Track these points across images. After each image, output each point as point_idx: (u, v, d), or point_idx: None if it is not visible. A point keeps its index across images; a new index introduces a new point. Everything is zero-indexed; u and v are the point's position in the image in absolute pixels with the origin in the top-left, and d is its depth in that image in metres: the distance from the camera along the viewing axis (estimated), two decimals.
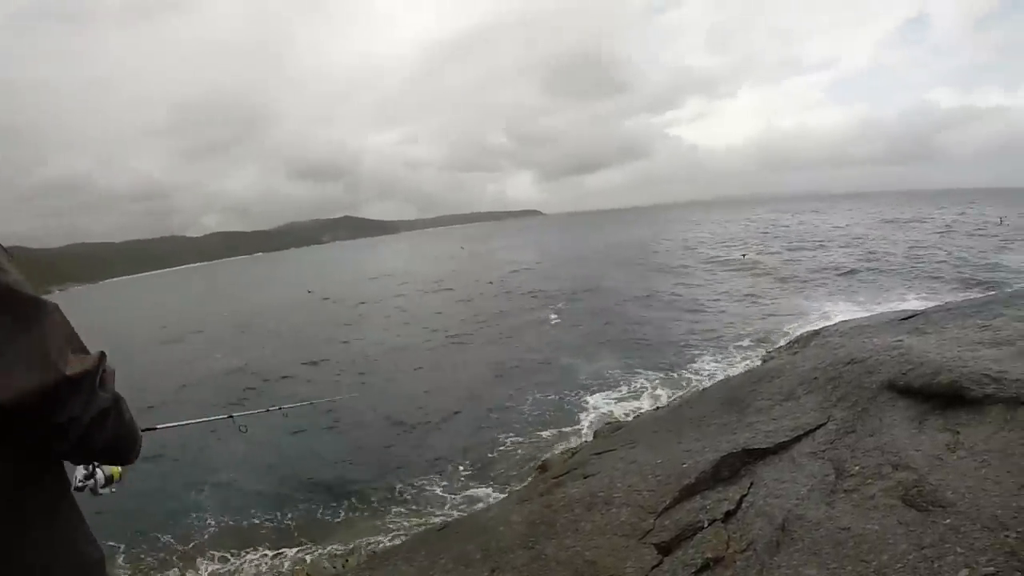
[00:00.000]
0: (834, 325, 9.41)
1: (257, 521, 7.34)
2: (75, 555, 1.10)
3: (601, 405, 9.60)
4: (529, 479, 6.78)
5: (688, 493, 3.57)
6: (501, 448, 8.53)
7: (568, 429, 8.81)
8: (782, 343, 11.26)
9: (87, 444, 1.08)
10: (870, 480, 3.20)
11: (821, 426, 4.05)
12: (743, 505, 3.31)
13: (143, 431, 1.32)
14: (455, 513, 6.69)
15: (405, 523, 6.78)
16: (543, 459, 7.43)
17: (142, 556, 6.80)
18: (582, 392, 10.43)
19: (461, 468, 8.04)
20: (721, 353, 11.90)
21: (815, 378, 4.91)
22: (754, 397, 5.03)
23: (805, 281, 19.98)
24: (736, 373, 8.50)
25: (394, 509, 7.21)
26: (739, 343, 12.47)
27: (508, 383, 11.86)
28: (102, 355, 1.08)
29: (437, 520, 6.52)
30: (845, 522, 2.87)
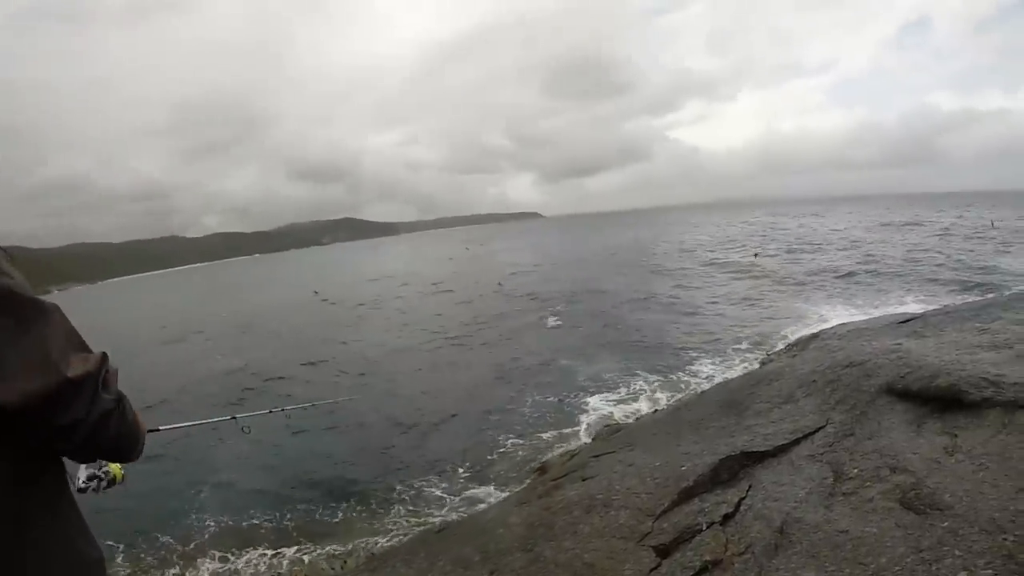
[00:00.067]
0: (833, 328, 9.43)
1: (257, 521, 7.33)
2: (74, 554, 1.11)
3: (600, 407, 9.60)
4: (528, 481, 6.78)
5: (686, 496, 3.58)
6: (500, 450, 8.53)
7: (567, 431, 8.81)
8: (781, 346, 11.26)
9: (91, 444, 1.09)
10: (868, 483, 3.21)
11: (820, 429, 4.06)
12: (741, 508, 3.31)
13: (147, 432, 1.33)
14: (454, 515, 6.69)
15: (404, 524, 6.78)
16: (542, 461, 7.43)
17: (142, 556, 6.79)
18: (581, 394, 10.44)
19: (460, 469, 8.04)
20: (719, 356, 11.90)
21: (813, 381, 4.92)
22: (753, 400, 5.04)
23: (804, 284, 19.99)
24: (735, 376, 8.51)
25: (393, 510, 7.21)
26: (737, 346, 12.47)
27: (507, 385, 11.86)
28: (104, 356, 1.09)
29: (436, 521, 6.52)
30: (843, 525, 2.88)
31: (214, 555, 6.65)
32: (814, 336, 9.26)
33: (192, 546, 6.89)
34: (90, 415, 1.03)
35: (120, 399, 1.13)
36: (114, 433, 1.12)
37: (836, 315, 13.66)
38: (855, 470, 3.38)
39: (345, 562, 6.11)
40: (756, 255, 30.05)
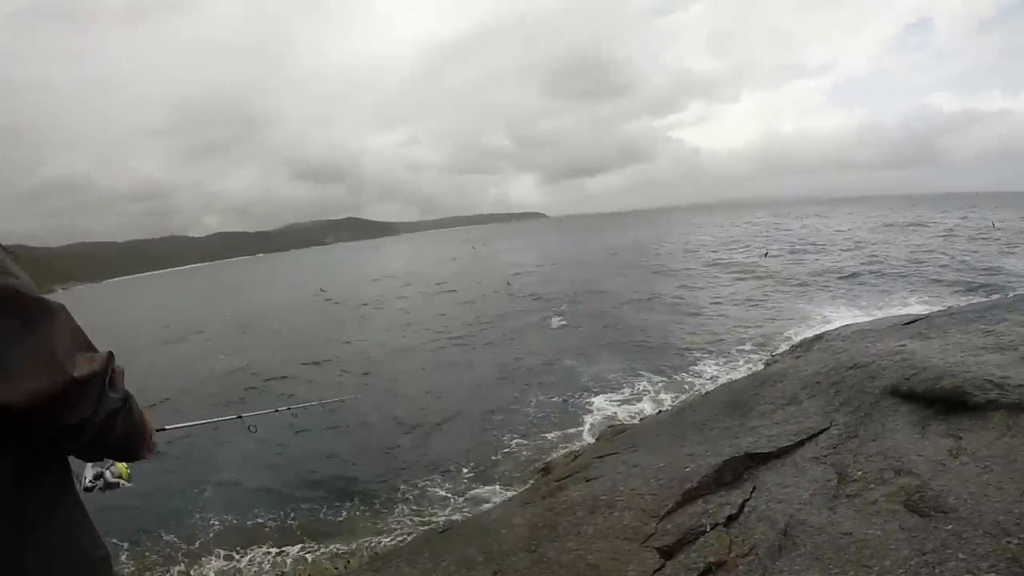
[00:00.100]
0: (837, 329, 9.43)
1: (261, 520, 7.34)
2: (79, 552, 1.12)
3: (604, 408, 9.60)
4: (532, 481, 6.79)
5: (690, 497, 3.58)
6: (504, 450, 8.54)
7: (571, 431, 8.81)
8: (785, 347, 11.26)
9: (99, 444, 1.10)
10: (872, 485, 3.21)
11: (824, 431, 4.05)
12: (745, 509, 3.32)
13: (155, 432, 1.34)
14: (458, 515, 6.69)
15: (407, 524, 6.78)
16: (546, 462, 7.44)
17: (147, 554, 6.82)
18: (585, 394, 10.43)
19: (464, 469, 8.04)
20: (724, 356, 11.89)
21: (818, 382, 4.92)
22: (757, 401, 5.04)
23: (807, 285, 19.95)
24: (739, 377, 8.50)
25: (396, 509, 7.21)
26: (742, 347, 12.46)
27: (511, 385, 11.87)
28: (110, 355, 1.10)
29: (440, 521, 6.52)
30: (847, 527, 2.88)
31: (219, 553, 6.66)
32: (818, 337, 9.26)
33: (197, 544, 6.91)
34: (97, 414, 1.04)
35: (127, 398, 1.14)
36: (121, 432, 1.13)
37: (840, 316, 13.65)
38: (859, 472, 3.38)
39: (348, 562, 6.11)
40: (766, 254, 30.16)
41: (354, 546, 6.45)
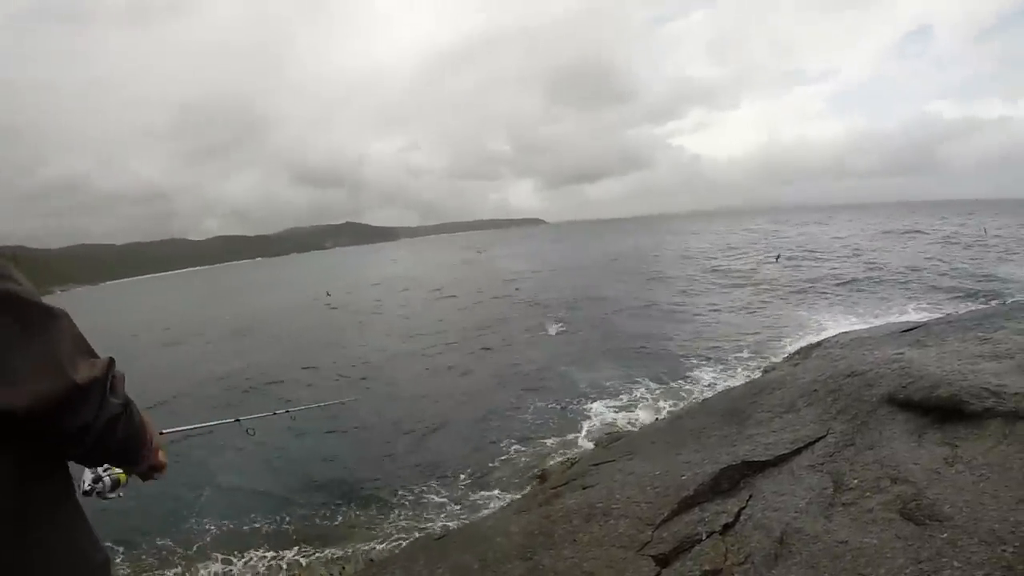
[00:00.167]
0: (835, 337, 9.41)
1: (257, 524, 7.31)
2: (78, 557, 1.12)
3: (601, 414, 9.57)
4: (528, 488, 6.78)
5: (687, 505, 3.58)
6: (501, 456, 8.52)
7: (568, 438, 8.79)
8: (783, 355, 11.25)
9: (100, 449, 1.11)
10: (868, 493, 3.21)
11: (820, 439, 4.06)
12: (741, 518, 3.31)
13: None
14: (454, 521, 6.67)
15: (403, 530, 6.75)
16: (542, 469, 7.43)
17: (143, 557, 6.79)
18: (582, 401, 10.41)
19: (461, 475, 8.02)
20: (721, 364, 11.87)
21: (815, 390, 4.92)
22: (754, 409, 5.04)
23: (806, 292, 19.96)
24: (736, 384, 8.50)
25: (392, 515, 7.18)
26: (739, 354, 12.45)
27: (508, 390, 11.85)
28: (111, 361, 1.11)
29: (436, 528, 6.51)
30: (843, 535, 2.88)
31: (216, 557, 6.63)
32: (816, 345, 9.26)
33: (194, 548, 6.88)
34: (98, 420, 1.05)
35: (127, 404, 1.14)
36: (122, 437, 1.13)
37: (838, 324, 13.64)
38: (855, 480, 3.38)
39: (344, 567, 6.09)
40: (778, 257, 30.37)
41: (350, 551, 6.43)
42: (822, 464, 3.71)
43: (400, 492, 7.74)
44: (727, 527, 3.26)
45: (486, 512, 6.52)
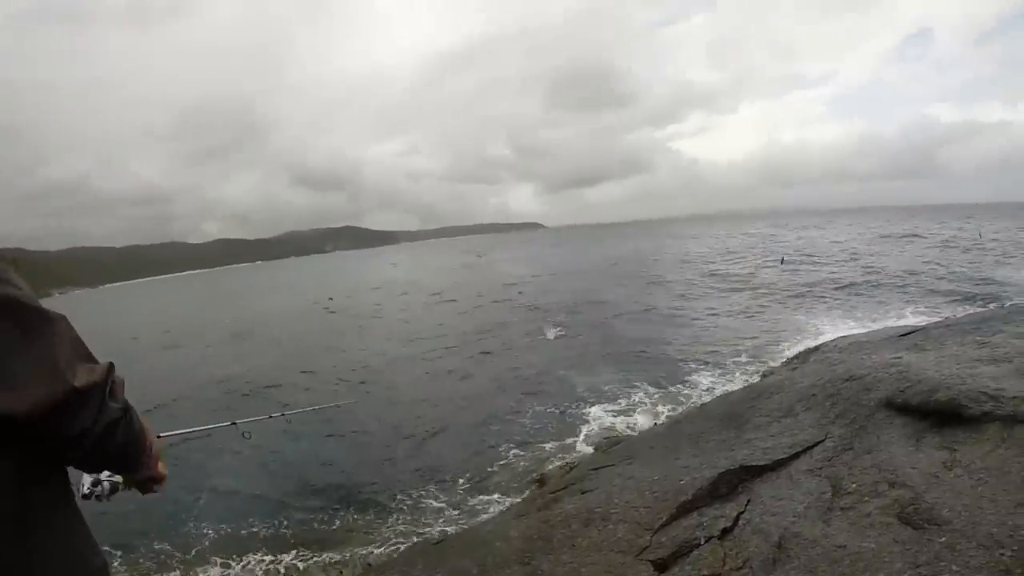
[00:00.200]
0: (833, 341, 9.42)
1: (256, 528, 7.30)
2: (77, 561, 1.12)
3: (599, 419, 9.57)
4: (527, 492, 6.77)
5: (685, 510, 3.58)
6: (500, 461, 8.51)
7: (567, 442, 8.79)
8: (781, 359, 11.25)
9: (99, 453, 1.11)
10: (867, 498, 3.21)
11: (819, 443, 4.05)
12: (740, 522, 3.31)
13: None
14: (452, 526, 6.66)
15: (401, 534, 6.74)
16: (541, 473, 7.42)
17: (141, 561, 6.78)
18: (581, 405, 10.41)
19: (460, 480, 8.01)
20: (720, 368, 11.88)
21: (813, 395, 4.92)
22: (753, 413, 5.04)
23: (804, 296, 19.98)
24: (735, 389, 8.50)
25: (390, 519, 7.17)
26: (738, 358, 12.45)
27: (507, 394, 11.85)
28: (111, 365, 1.11)
29: (434, 533, 6.50)
30: (841, 540, 2.87)
31: (215, 561, 6.64)
32: (815, 349, 9.26)
33: (192, 552, 6.88)
34: (97, 424, 1.05)
35: (127, 408, 1.14)
36: (121, 442, 1.14)
37: (837, 328, 13.65)
38: (853, 485, 3.38)
39: (341, 572, 6.10)
40: (783, 260, 30.58)
41: (347, 555, 6.43)
42: (820, 468, 3.70)
43: (398, 496, 7.73)
44: (725, 532, 3.26)
45: (485, 517, 6.52)
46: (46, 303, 1.04)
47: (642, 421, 9.13)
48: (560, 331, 17.82)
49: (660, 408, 9.72)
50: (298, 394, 13.47)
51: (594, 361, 13.59)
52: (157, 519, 7.60)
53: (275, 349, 20.74)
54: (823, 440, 4.08)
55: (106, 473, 1.46)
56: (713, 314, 18.48)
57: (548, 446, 8.76)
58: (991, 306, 14.34)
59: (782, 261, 30.22)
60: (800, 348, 11.20)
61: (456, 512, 7.14)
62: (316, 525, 7.29)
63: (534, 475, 7.55)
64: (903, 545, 2.71)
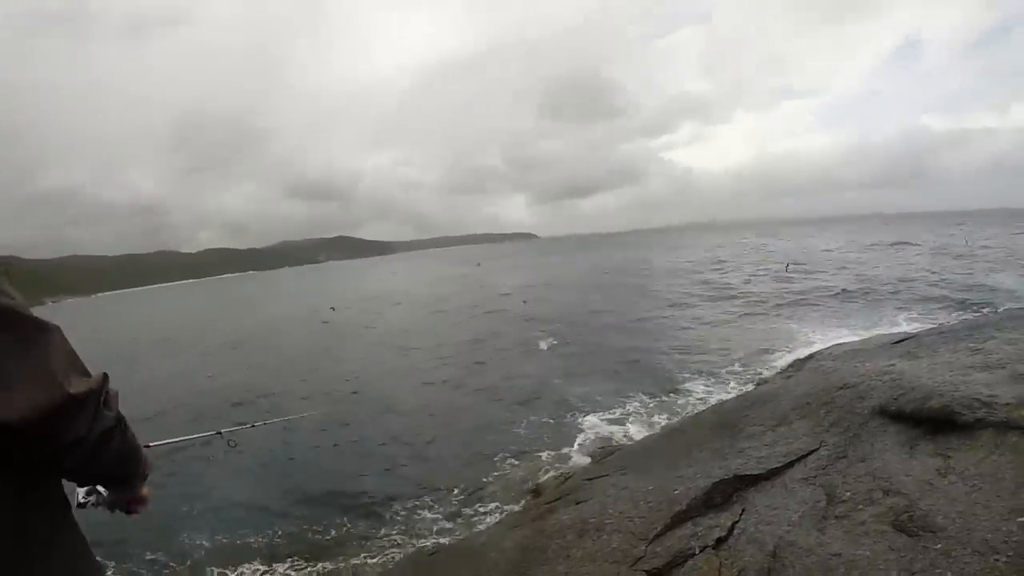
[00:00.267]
0: (827, 349, 9.44)
1: (250, 538, 7.24)
2: (75, 572, 1.12)
3: (594, 429, 9.55)
4: (522, 503, 6.74)
5: (680, 520, 3.56)
6: (495, 471, 8.47)
7: (561, 452, 8.75)
8: (774, 367, 11.27)
9: (93, 463, 1.11)
10: (861, 506, 3.21)
11: (813, 452, 4.05)
12: (734, 532, 3.30)
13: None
14: (447, 537, 6.62)
15: (396, 545, 6.70)
16: (536, 483, 7.39)
17: (134, 571, 6.73)
18: (575, 415, 10.38)
19: (455, 490, 7.97)
20: (713, 377, 11.88)
21: (808, 403, 4.92)
22: (747, 422, 5.04)
23: (798, 305, 20.03)
24: (728, 398, 8.50)
25: (384, 530, 7.12)
26: (731, 367, 12.46)
27: (502, 405, 11.82)
28: (105, 376, 1.11)
29: (428, 543, 6.46)
30: (836, 548, 2.87)
31: (211, 571, 6.60)
32: (809, 357, 9.27)
33: (187, 563, 6.83)
34: (92, 433, 1.05)
35: (120, 419, 1.14)
36: (115, 452, 1.13)
37: (830, 336, 13.67)
38: (848, 493, 3.38)
39: None
40: (787, 266, 30.95)
41: (342, 565, 6.39)
42: (815, 477, 3.70)
43: (392, 506, 7.69)
44: (720, 541, 3.25)
45: (480, 527, 6.49)
46: (39, 312, 1.04)
47: (636, 430, 9.11)
48: (554, 341, 17.81)
49: (654, 417, 9.70)
50: (291, 403, 13.39)
51: (588, 370, 13.58)
52: (150, 529, 7.53)
53: (267, 358, 20.66)
54: (817, 448, 4.08)
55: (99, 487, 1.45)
56: (706, 323, 18.51)
57: (543, 456, 8.72)
58: (984, 310, 14.44)
59: (787, 267, 30.48)
60: (793, 356, 11.22)
61: (450, 523, 7.09)
62: (310, 535, 7.23)
63: (529, 485, 7.52)
64: (898, 552, 2.71)
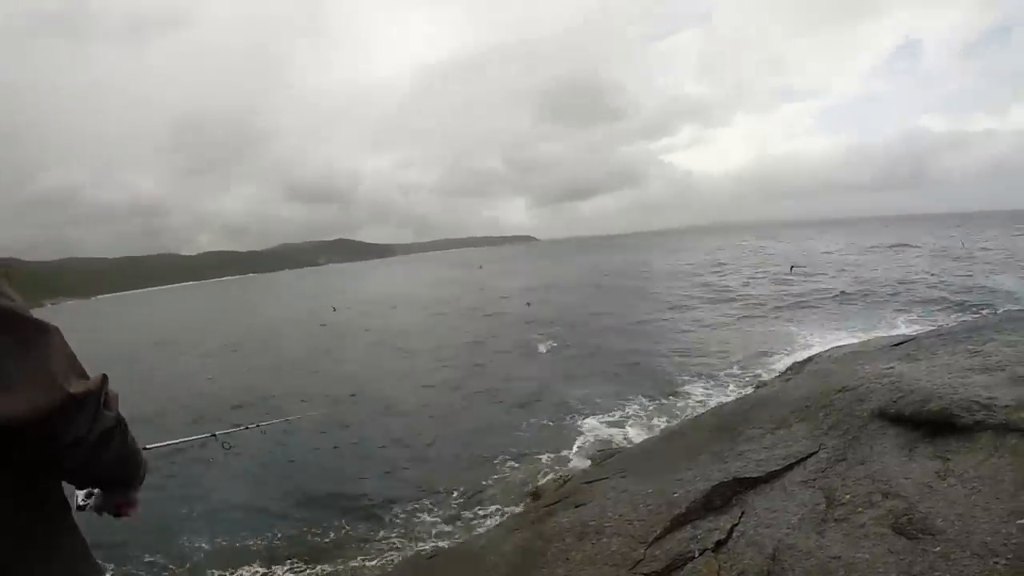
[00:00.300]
0: (826, 352, 9.44)
1: (250, 540, 7.27)
2: (76, 574, 1.12)
3: (593, 432, 9.56)
4: (522, 505, 6.74)
5: (679, 523, 3.55)
6: (495, 474, 8.47)
7: (561, 455, 8.76)
8: (774, 370, 11.27)
9: (93, 464, 1.10)
10: (860, 509, 3.20)
11: (812, 454, 4.04)
12: (734, 535, 3.29)
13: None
14: (446, 540, 6.62)
15: (395, 548, 6.70)
16: (536, 486, 7.39)
17: (134, 573, 6.75)
18: (575, 418, 10.40)
19: (454, 493, 7.97)
20: (713, 380, 11.89)
21: (807, 406, 4.91)
22: (746, 425, 5.02)
23: (797, 307, 20.06)
24: (728, 400, 8.50)
25: (384, 532, 7.13)
26: (731, 370, 12.47)
27: (502, 407, 11.82)
28: (104, 377, 1.11)
29: (428, 546, 6.46)
30: (835, 551, 2.86)
31: (211, 573, 6.62)
32: (808, 360, 9.28)
33: (186, 565, 6.86)
34: (92, 433, 1.05)
35: (120, 420, 1.14)
36: (115, 453, 1.13)
37: (830, 338, 13.69)
38: (847, 496, 3.37)
39: None
40: (792, 268, 31.29)
41: (341, 567, 6.41)
42: (814, 480, 3.69)
43: (392, 508, 7.69)
44: (720, 544, 3.24)
45: (479, 530, 6.48)
46: (38, 314, 1.04)
47: (635, 433, 9.12)
48: (554, 343, 17.82)
49: (653, 420, 9.72)
50: (289, 405, 13.38)
51: (587, 373, 13.59)
52: (149, 531, 7.54)
53: (267, 360, 20.68)
54: (817, 451, 4.07)
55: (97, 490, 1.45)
56: (705, 326, 18.53)
57: (542, 458, 8.73)
58: (984, 312, 14.45)
59: (792, 268, 30.61)
60: (793, 359, 11.23)
61: (449, 525, 7.10)
62: (309, 537, 7.24)
63: (529, 488, 7.52)
64: (897, 555, 2.70)
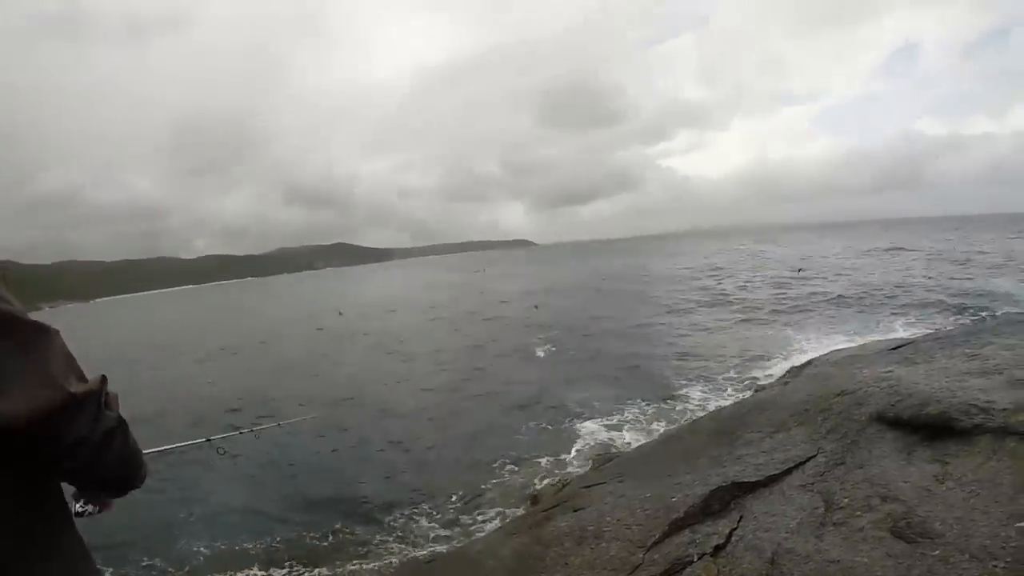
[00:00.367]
0: (824, 355, 9.45)
1: (248, 544, 7.26)
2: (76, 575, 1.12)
3: (592, 435, 9.56)
4: (520, 510, 6.73)
5: (677, 527, 3.55)
6: (493, 478, 8.47)
7: (559, 459, 8.76)
8: (773, 374, 11.27)
9: (96, 465, 1.10)
10: (859, 512, 3.20)
11: (811, 458, 4.04)
12: (732, 539, 3.29)
13: None
14: (443, 544, 6.62)
15: (393, 552, 6.70)
16: (534, 491, 7.38)
17: None
18: (573, 422, 10.39)
19: (453, 497, 7.96)
20: (711, 384, 11.89)
21: (805, 410, 4.90)
22: (744, 429, 5.02)
23: (795, 311, 20.07)
24: (726, 404, 8.50)
25: (382, 537, 7.12)
26: (729, 374, 12.48)
27: (500, 411, 11.81)
28: (104, 378, 1.12)
29: (424, 552, 6.45)
30: (834, 555, 2.86)
31: None
32: (806, 364, 9.28)
33: (185, 569, 6.85)
34: (94, 433, 1.05)
35: (122, 420, 1.14)
36: (118, 454, 1.13)
37: (827, 342, 13.70)
38: (846, 499, 3.37)
39: None
40: (799, 271, 31.40)
41: (339, 572, 6.39)
42: (813, 484, 3.69)
43: (390, 513, 7.68)
44: (718, 549, 3.23)
45: (478, 535, 6.47)
46: (36, 317, 1.05)
47: (634, 437, 9.12)
48: (552, 347, 17.82)
49: (652, 424, 9.72)
50: (287, 409, 13.36)
51: (586, 377, 13.59)
52: (147, 534, 7.54)
53: (267, 364, 20.64)
54: (815, 455, 4.07)
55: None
56: (704, 329, 18.54)
57: (541, 462, 8.73)
58: (983, 313, 14.48)
59: (799, 271, 30.74)
60: (791, 363, 11.23)
61: (448, 530, 7.09)
62: (307, 540, 7.23)
63: (527, 492, 7.51)
64: (896, 559, 2.70)
